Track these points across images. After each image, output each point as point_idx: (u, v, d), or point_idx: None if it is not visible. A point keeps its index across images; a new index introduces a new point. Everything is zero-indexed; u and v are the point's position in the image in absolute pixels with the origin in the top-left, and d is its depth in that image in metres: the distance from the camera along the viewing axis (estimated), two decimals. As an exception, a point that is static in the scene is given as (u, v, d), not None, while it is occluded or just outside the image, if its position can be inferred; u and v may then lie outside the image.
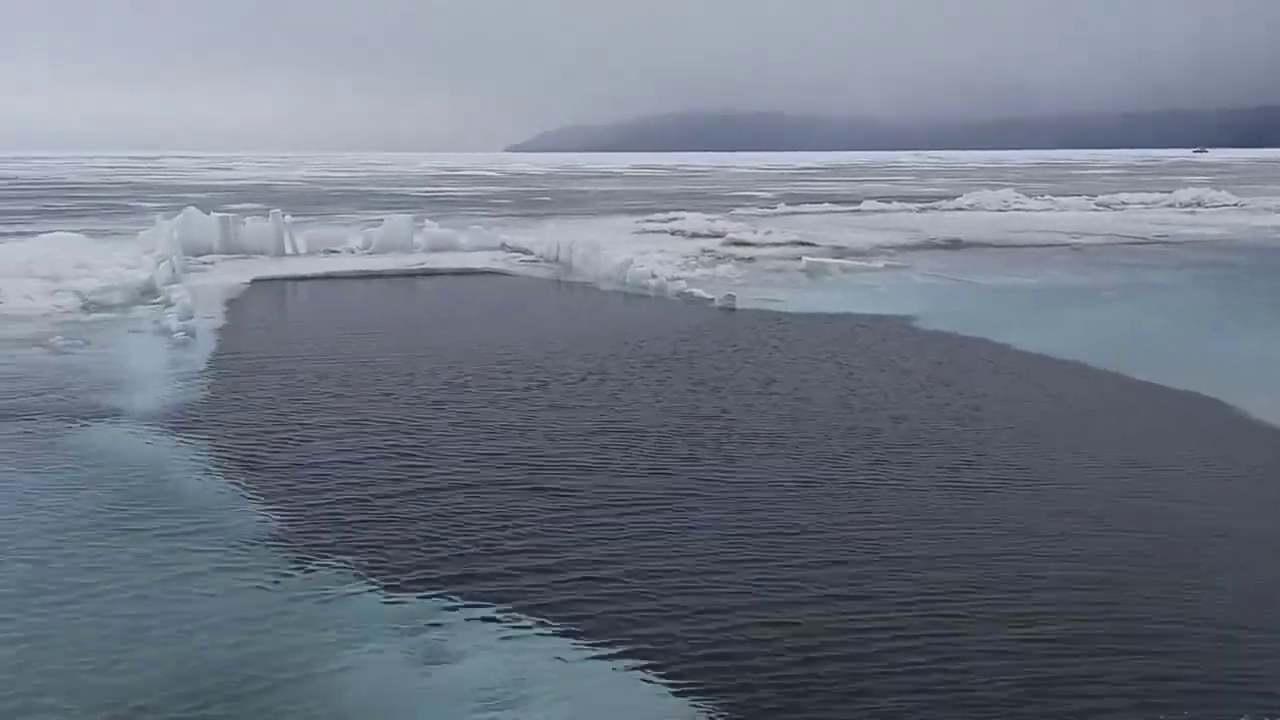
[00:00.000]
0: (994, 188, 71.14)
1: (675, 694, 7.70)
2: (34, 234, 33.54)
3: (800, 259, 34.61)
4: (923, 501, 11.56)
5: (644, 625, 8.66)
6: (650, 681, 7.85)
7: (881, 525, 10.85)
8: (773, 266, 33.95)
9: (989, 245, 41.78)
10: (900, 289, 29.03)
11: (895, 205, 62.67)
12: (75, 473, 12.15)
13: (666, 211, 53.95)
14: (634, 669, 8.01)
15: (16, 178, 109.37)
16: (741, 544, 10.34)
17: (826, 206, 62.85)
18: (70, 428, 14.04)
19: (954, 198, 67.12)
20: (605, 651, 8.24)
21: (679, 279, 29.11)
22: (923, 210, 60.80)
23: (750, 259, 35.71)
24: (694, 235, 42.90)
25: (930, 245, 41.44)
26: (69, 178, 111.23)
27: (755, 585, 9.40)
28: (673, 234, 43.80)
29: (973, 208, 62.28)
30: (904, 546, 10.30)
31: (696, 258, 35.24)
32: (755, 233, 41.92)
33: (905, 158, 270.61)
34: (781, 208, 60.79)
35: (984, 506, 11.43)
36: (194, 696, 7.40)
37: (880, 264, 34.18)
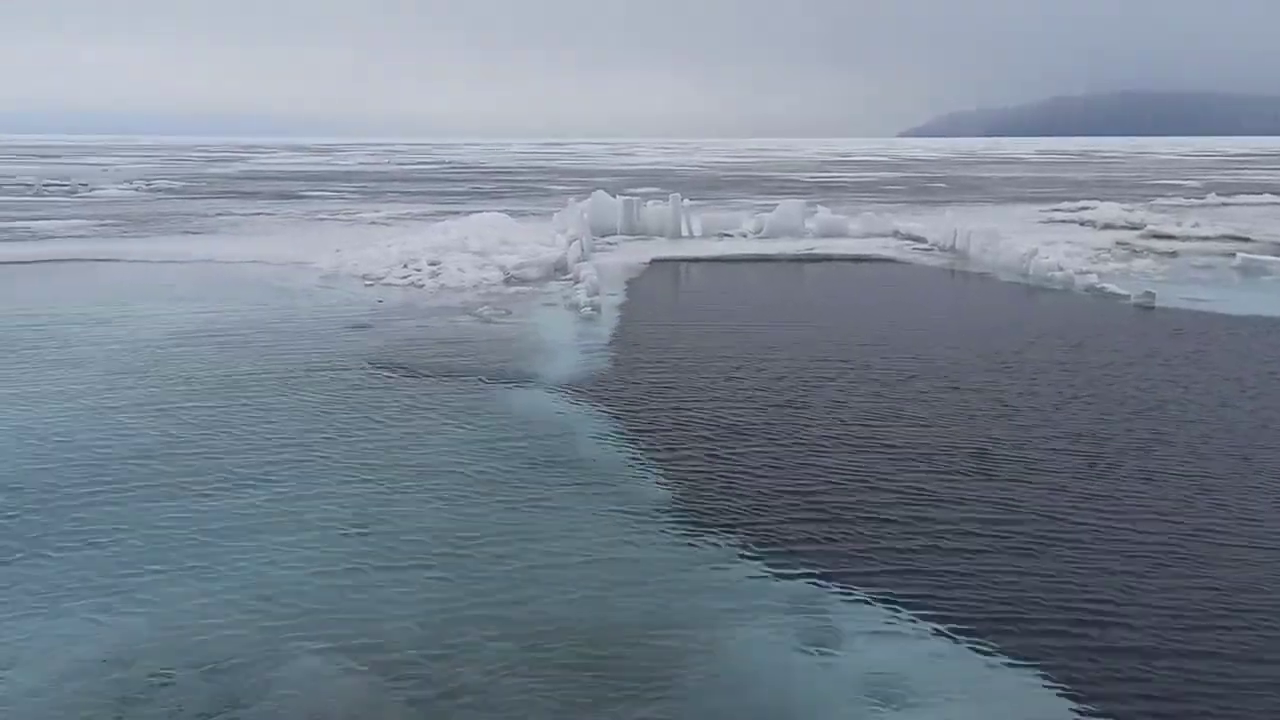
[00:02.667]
0: None
1: (1060, 698, 7.15)
2: (466, 213, 37.34)
3: (1234, 255, 30.84)
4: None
5: (1033, 631, 8.09)
6: (1041, 686, 7.30)
7: (1341, 567, 9.31)
8: (1199, 263, 30.53)
9: None
10: (1363, 293, 24.97)
11: (1357, 196, 54.15)
12: (495, 430, 13.29)
13: (1076, 200, 50.27)
14: (1020, 672, 7.50)
15: (452, 162, 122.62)
16: (1134, 563, 9.30)
17: (1267, 198, 55.59)
18: (493, 389, 15.41)
19: None
20: (993, 652, 7.81)
21: (1089, 272, 26.94)
22: (1393, 202, 52.11)
23: (1172, 253, 32.37)
24: (1107, 226, 39.61)
25: (1404, 243, 35.40)
26: (493, 162, 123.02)
27: (1143, 600, 8.41)
28: (1082, 224, 40.73)
29: None
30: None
31: (1109, 250, 32.48)
32: (1179, 225, 37.99)
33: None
34: (1211, 198, 54.50)
35: None
36: (585, 648, 7.78)
37: (1337, 263, 29.65)
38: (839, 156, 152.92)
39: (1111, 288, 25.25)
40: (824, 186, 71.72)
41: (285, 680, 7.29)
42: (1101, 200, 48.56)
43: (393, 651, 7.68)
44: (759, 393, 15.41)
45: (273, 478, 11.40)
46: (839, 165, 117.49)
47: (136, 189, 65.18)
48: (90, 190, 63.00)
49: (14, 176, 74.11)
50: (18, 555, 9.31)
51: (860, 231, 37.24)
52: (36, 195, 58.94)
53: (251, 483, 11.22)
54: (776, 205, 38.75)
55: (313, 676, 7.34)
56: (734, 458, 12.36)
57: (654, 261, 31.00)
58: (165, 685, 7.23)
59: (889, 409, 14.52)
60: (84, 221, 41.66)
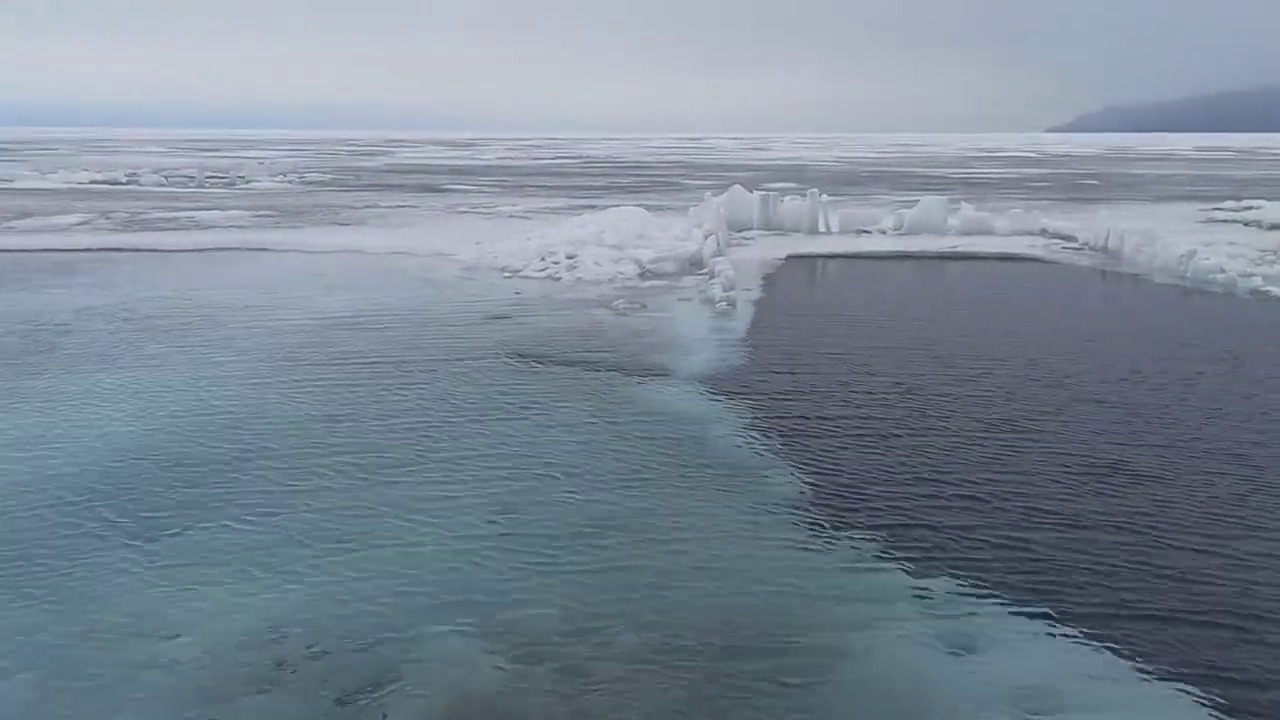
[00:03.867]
0: None
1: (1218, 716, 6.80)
2: (603, 207, 37.70)
3: None
4: None
5: (1189, 645, 7.73)
6: (1198, 703, 6.97)
7: None
8: (1379, 266, 28.48)
9: None
10: None
11: None
12: (630, 422, 13.38)
13: (1240, 199, 47.61)
14: (1176, 688, 7.19)
15: (589, 157, 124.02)
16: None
17: None
18: (628, 381, 15.52)
19: None
20: (1147, 667, 7.48)
21: (1253, 275, 25.49)
22: None
23: (1348, 256, 30.30)
24: (1274, 226, 37.38)
25: None
26: (630, 157, 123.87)
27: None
28: (1247, 224, 38.56)
29: None
30: None
31: (1276, 252, 30.65)
32: (1356, 226, 35.56)
33: None
34: (1392, 197, 50.89)
35: None
36: (720, 646, 7.74)
37: None
38: (983, 152, 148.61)
39: (1278, 291, 23.83)
40: (967, 183, 69.81)
41: (430, 658, 7.50)
42: (1268, 199, 45.87)
43: (533, 637, 7.82)
44: (896, 393, 15.10)
45: (416, 462, 11.74)
46: (983, 161, 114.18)
47: (290, 181, 68.04)
48: (247, 182, 66.07)
49: (179, 169, 78.35)
50: (180, 528, 9.82)
51: (1006, 229, 36.11)
52: (199, 187, 62.15)
53: (396, 466, 11.58)
54: (917, 201, 37.91)
55: (457, 656, 7.53)
56: (870, 458, 12.14)
57: (790, 257, 30.71)
58: (317, 656, 7.52)
59: (1031, 414, 14.03)
60: (242, 212, 43.72)
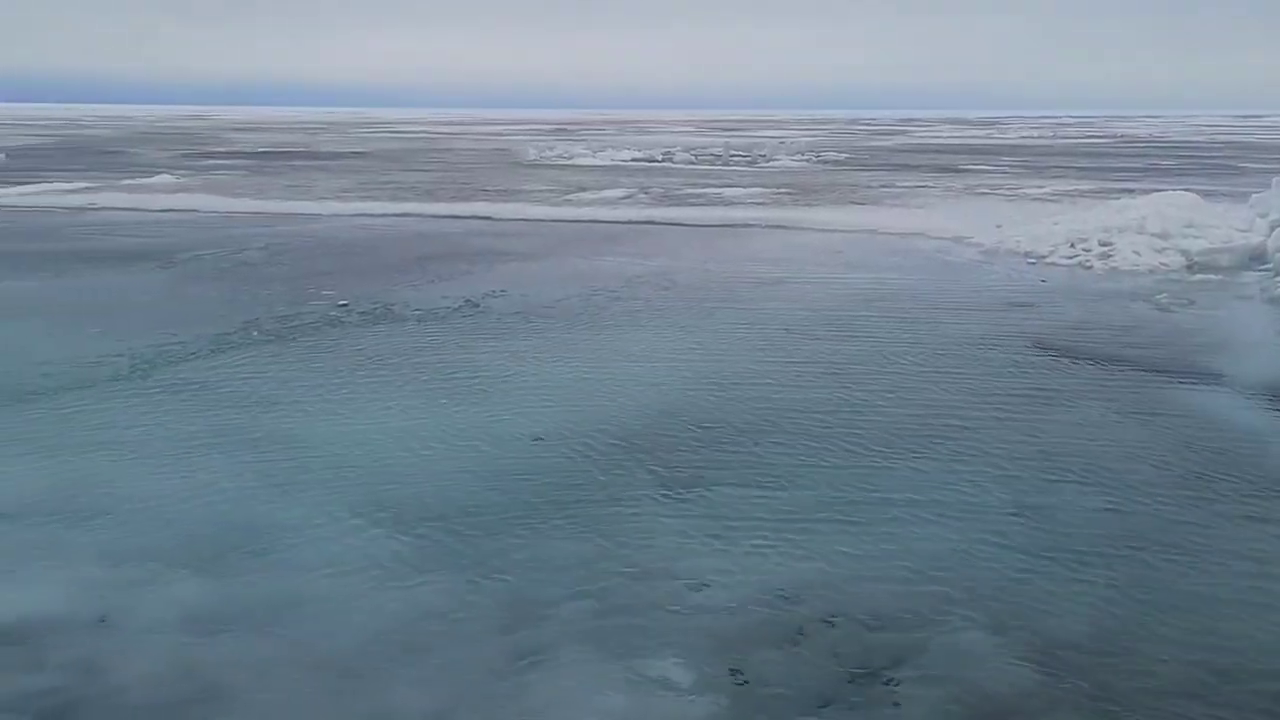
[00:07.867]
0: None
1: None
2: (1141, 191, 34.42)
3: None
4: None
5: None
6: None
7: None
8: None
9: None
10: None
11: None
12: (1171, 429, 12.05)
13: None
14: None
15: (1125, 136, 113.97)
16: None
17: None
18: (1169, 384, 14.04)
19: None
20: None
21: None
22: None
23: None
24: None
25: None
26: (1174, 137, 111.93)
27: None
28: None
29: None
30: None
31: None
32: None
33: None
34: None
35: None
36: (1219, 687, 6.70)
37: None
38: None
39: None
40: None
41: (942, 650, 7.29)
42: None
43: (1055, 647, 7.29)
44: None
45: (927, 447, 11.47)
46: None
47: (807, 160, 70.00)
48: (768, 161, 69.04)
49: (706, 148, 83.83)
50: (706, 485, 10.42)
51: None
52: (724, 165, 66.07)
53: (907, 449, 11.39)
54: None
55: (970, 653, 7.24)
56: None
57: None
58: (832, 628, 7.63)
59: None
60: (762, 189, 45.71)
